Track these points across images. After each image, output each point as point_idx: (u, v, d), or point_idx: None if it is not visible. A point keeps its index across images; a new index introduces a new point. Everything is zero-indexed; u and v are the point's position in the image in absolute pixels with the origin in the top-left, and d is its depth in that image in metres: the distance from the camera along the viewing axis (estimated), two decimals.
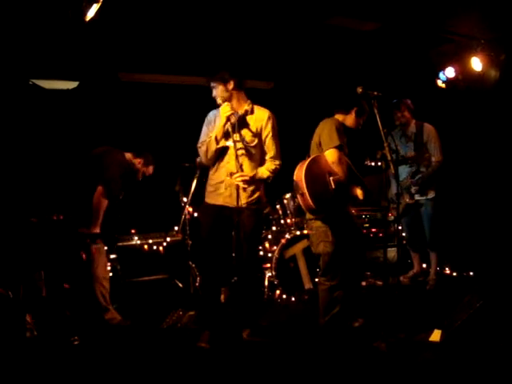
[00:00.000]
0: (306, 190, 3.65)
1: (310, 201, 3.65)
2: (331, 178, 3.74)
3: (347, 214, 3.96)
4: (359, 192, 3.93)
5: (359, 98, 3.94)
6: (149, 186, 5.88)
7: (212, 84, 3.95)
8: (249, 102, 4.02)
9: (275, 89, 6.84)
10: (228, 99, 3.91)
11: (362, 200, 3.97)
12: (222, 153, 3.92)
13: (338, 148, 3.79)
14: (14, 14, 4.30)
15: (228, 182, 3.87)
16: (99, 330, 4.25)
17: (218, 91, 3.93)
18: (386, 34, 5.50)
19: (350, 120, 4.07)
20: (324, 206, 3.73)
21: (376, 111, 3.71)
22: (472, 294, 3.70)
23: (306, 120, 4.47)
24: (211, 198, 4.01)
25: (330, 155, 3.78)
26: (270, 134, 3.96)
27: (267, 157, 3.99)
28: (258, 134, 3.94)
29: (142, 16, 4.73)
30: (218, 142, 3.87)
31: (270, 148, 3.98)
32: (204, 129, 4.08)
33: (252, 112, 3.99)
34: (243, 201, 3.83)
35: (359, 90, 3.74)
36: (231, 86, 3.90)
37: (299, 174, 3.73)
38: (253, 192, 3.91)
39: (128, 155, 4.70)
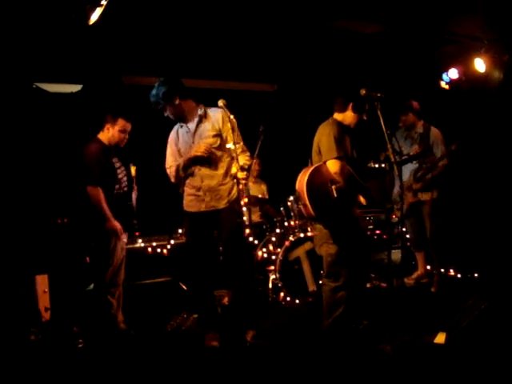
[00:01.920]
0: (307, 202, 3.67)
1: (311, 211, 3.68)
2: (333, 187, 3.74)
3: (351, 217, 3.93)
4: (362, 200, 3.95)
5: (354, 93, 3.84)
6: (153, 189, 5.90)
7: (159, 107, 3.95)
8: (200, 105, 4.00)
9: (279, 91, 6.83)
10: (180, 114, 3.95)
11: (365, 205, 3.99)
12: (192, 163, 3.94)
13: (338, 159, 3.76)
14: (18, 18, 4.32)
15: (206, 187, 3.92)
16: (104, 332, 4.25)
17: (168, 111, 3.95)
18: (389, 35, 5.50)
19: (348, 117, 3.97)
20: (325, 215, 3.76)
21: (379, 113, 3.70)
22: (476, 296, 3.69)
23: (310, 122, 4.46)
24: (192, 207, 4.01)
25: (332, 166, 3.76)
26: (230, 130, 3.91)
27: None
28: (218, 135, 3.94)
29: (146, 19, 4.74)
30: (186, 169, 3.94)
31: (236, 142, 3.92)
32: (168, 150, 4.11)
33: (205, 115, 3.98)
34: (226, 200, 3.92)
35: (363, 91, 3.73)
36: (177, 100, 3.91)
37: (301, 184, 3.73)
38: (232, 188, 3.98)
39: (100, 138, 4.41)
